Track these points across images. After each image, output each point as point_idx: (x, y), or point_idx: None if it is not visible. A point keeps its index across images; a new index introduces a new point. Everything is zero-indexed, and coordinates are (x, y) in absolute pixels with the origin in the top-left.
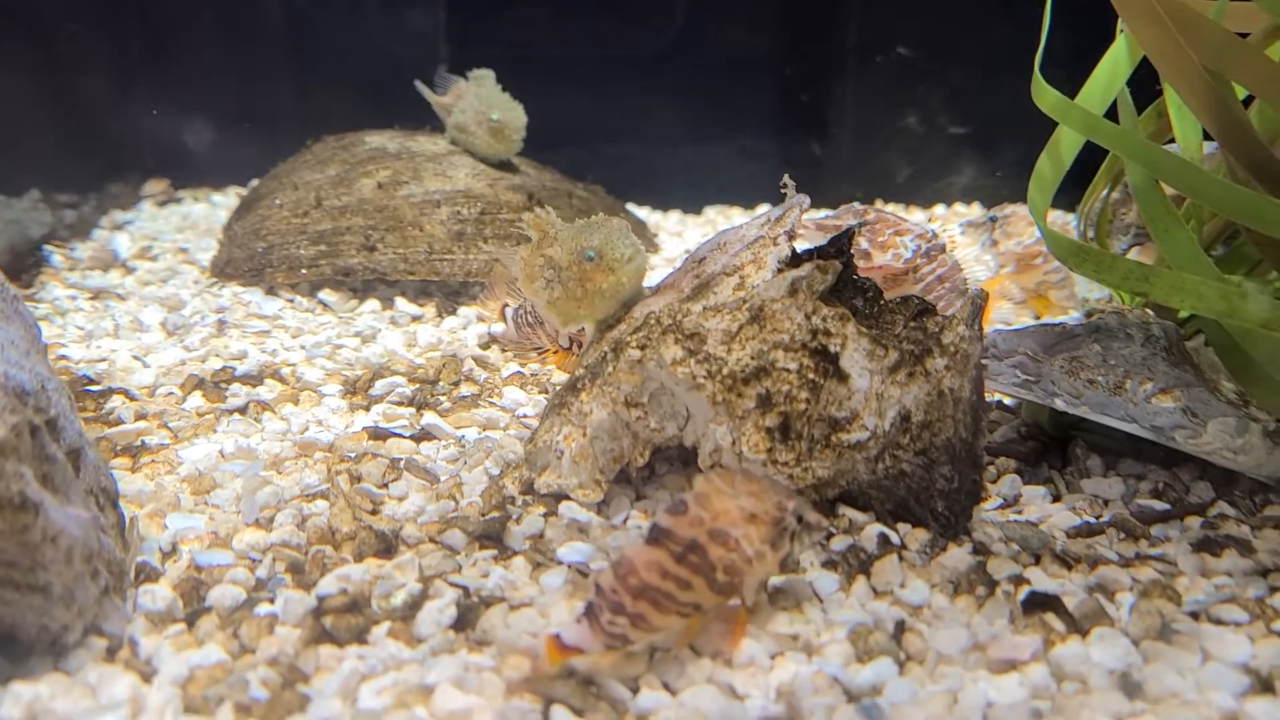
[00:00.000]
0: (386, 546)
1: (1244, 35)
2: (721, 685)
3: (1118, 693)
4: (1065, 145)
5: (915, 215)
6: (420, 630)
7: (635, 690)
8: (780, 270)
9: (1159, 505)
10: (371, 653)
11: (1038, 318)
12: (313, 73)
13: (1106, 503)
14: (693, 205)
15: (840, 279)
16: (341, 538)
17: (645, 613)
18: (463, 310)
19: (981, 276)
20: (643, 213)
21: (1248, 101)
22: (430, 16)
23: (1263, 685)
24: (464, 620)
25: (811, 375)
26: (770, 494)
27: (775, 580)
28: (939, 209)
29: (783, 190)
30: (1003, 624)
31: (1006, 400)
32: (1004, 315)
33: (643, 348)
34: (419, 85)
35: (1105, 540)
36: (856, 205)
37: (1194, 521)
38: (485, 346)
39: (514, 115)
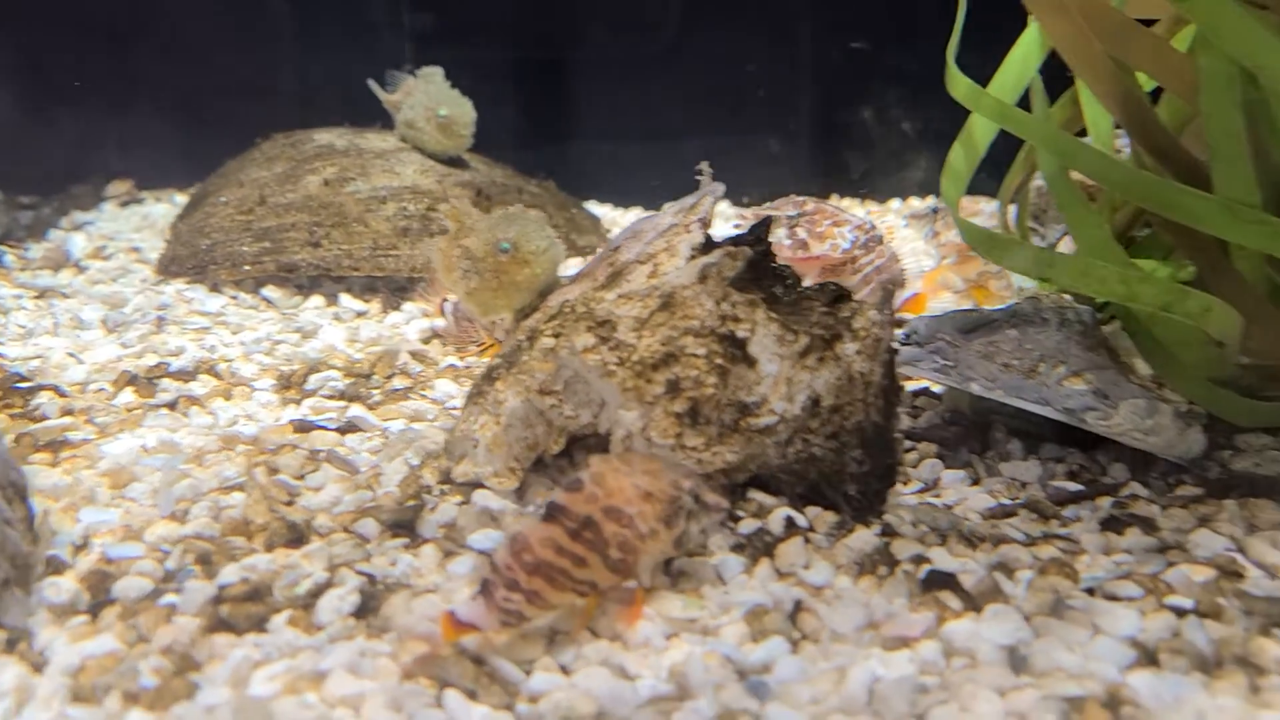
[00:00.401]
0: (297, 536)
1: (1151, 21)
2: (614, 666)
3: (1005, 667)
4: (979, 134)
5: (870, 208)
6: (320, 618)
7: (529, 672)
8: (693, 257)
9: (1072, 486)
10: (268, 640)
11: (978, 307)
12: (281, 72)
13: (1024, 485)
14: (653, 202)
15: (760, 267)
16: (254, 529)
17: (540, 589)
18: (407, 305)
19: (927, 267)
20: (604, 209)
21: (1160, 91)
22: (406, 15)
23: (1148, 658)
24: (366, 607)
25: (720, 361)
26: (666, 473)
27: (680, 563)
28: (894, 203)
29: (697, 178)
30: (901, 602)
31: (936, 387)
32: (945, 305)
33: (557, 336)
34: (371, 83)
35: (1017, 521)
36: (796, 197)
37: (1105, 502)
38: (426, 341)
39: (462, 111)
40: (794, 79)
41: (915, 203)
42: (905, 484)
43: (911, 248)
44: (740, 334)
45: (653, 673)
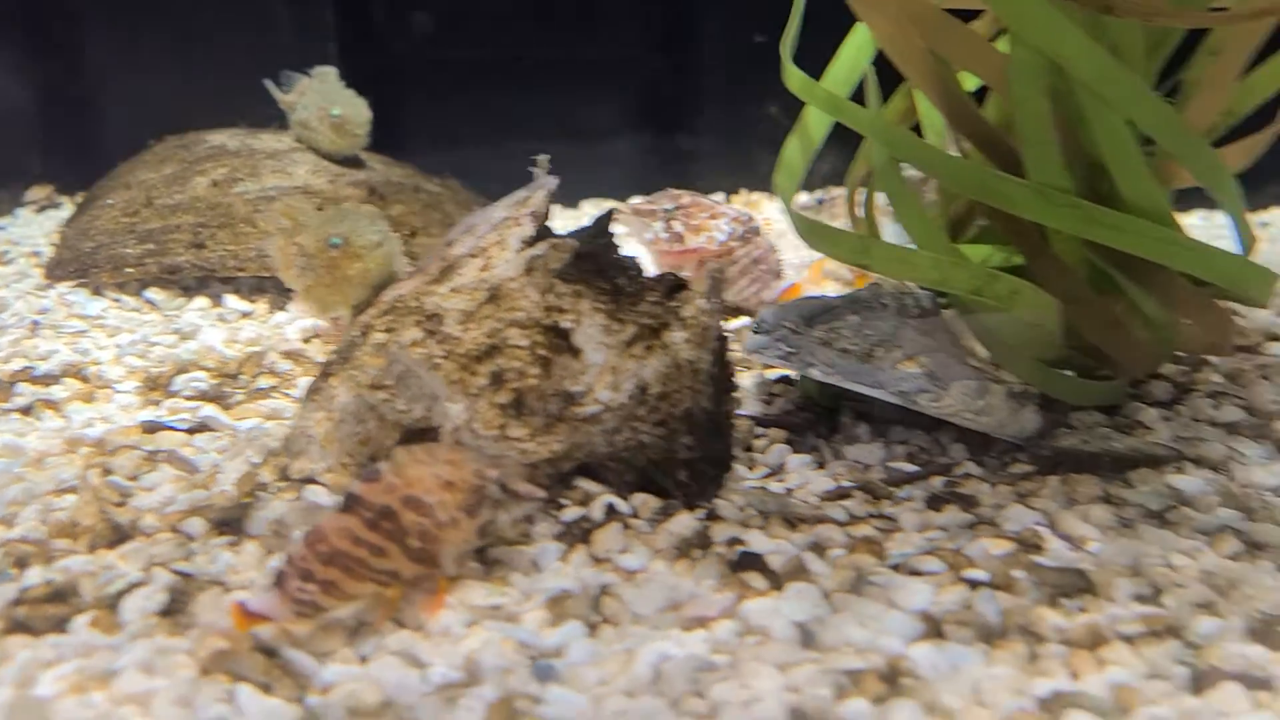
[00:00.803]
0: (121, 537)
1: (975, 14)
2: (410, 656)
3: (795, 644)
4: (813, 127)
5: (777, 203)
6: (124, 617)
7: (326, 663)
8: (523, 250)
9: (909, 468)
10: (65, 641)
11: (823, 295)
12: (208, 73)
13: (867, 467)
14: (570, 199)
15: (603, 259)
16: (81, 530)
17: (337, 580)
18: (293, 305)
19: (817, 257)
20: None
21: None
22: (333, 17)
23: (934, 630)
24: (175, 605)
25: (543, 352)
26: (469, 463)
27: (498, 552)
28: (802, 196)
29: (531, 169)
30: (709, 584)
31: (796, 375)
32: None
33: (389, 330)
34: (267, 83)
35: (851, 503)
36: (672, 190)
37: (938, 481)
38: (307, 340)
39: (356, 110)
40: (700, 75)
41: (822, 194)
42: (752, 469)
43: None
44: (564, 325)
45: (447, 661)
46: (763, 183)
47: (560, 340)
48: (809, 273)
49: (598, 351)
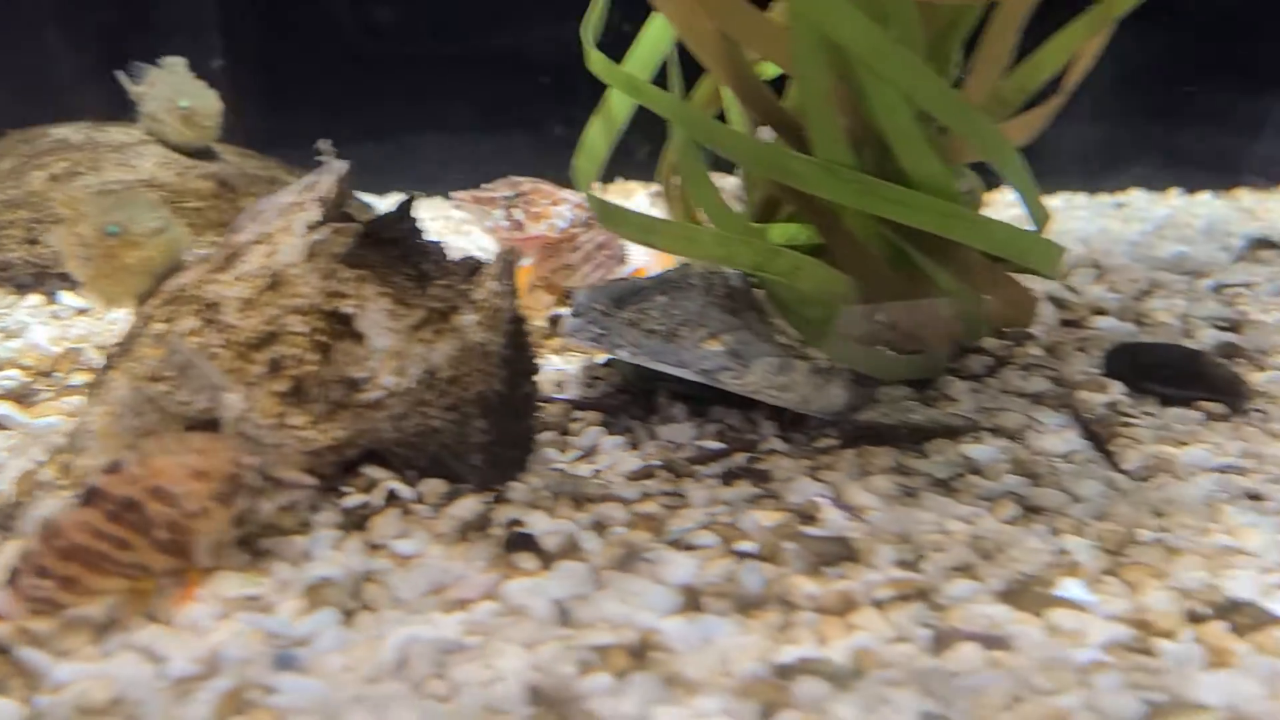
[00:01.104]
0: None
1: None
2: (149, 651)
3: (550, 622)
4: (616, 110)
5: (652, 189)
6: None
7: (62, 662)
8: (306, 235)
9: (716, 445)
10: None
11: (634, 277)
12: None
13: (679, 447)
14: (445, 190)
15: (406, 244)
16: None
17: (79, 575)
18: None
19: None
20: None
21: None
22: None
23: (691, 603)
24: None
25: (323, 338)
26: (225, 451)
27: (270, 542)
28: (675, 180)
29: (318, 159)
30: (479, 565)
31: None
32: None
33: (169, 320)
34: (119, 75)
35: (652, 482)
36: (513, 177)
37: (742, 458)
38: None
39: (205, 102)
40: (575, 64)
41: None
42: (564, 451)
43: None
44: (346, 310)
45: (189, 654)
46: (639, 171)
47: (342, 326)
48: (657, 259)
49: (382, 336)
